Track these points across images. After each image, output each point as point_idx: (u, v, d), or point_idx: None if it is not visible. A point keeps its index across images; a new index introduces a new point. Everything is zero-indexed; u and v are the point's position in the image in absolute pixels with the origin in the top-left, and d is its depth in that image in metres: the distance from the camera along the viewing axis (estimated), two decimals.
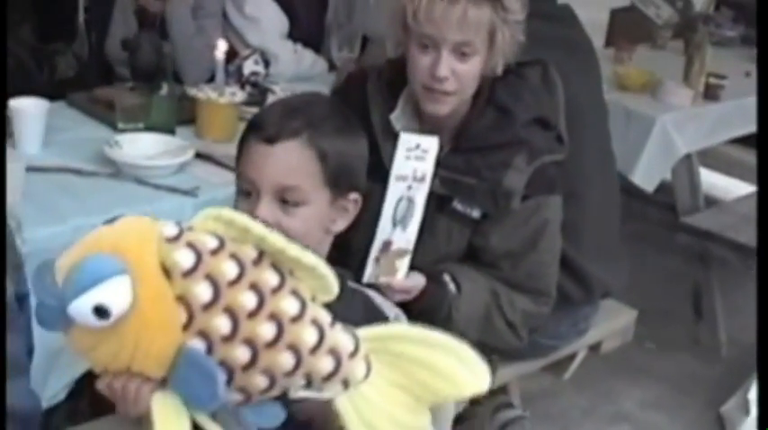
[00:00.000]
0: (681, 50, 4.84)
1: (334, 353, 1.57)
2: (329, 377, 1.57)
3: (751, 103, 4.55)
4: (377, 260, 2.31)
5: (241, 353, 1.49)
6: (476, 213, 2.47)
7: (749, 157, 5.42)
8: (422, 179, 2.30)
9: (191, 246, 1.50)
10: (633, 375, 4.03)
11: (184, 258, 1.48)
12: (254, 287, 1.50)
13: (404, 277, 2.35)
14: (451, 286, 2.43)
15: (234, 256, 1.51)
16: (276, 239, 1.52)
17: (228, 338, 1.48)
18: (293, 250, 1.52)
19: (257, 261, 1.52)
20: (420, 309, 2.31)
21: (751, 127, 4.69)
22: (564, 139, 2.55)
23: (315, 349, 1.54)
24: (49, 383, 2.53)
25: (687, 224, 4.20)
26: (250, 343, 1.49)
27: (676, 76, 4.51)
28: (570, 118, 2.61)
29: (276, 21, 4.07)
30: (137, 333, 1.48)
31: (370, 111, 2.52)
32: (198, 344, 1.48)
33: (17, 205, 2.47)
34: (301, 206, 1.90)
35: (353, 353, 1.59)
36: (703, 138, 4.45)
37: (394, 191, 2.30)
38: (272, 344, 1.50)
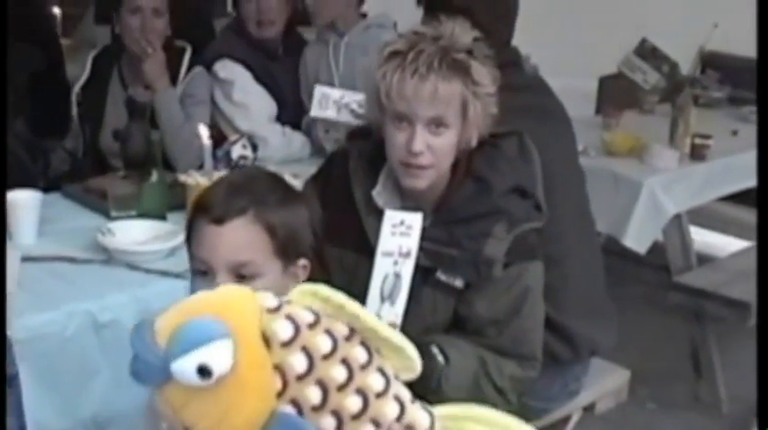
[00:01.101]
0: (669, 114, 4.91)
1: (411, 428, 1.68)
2: None
3: (738, 160, 4.66)
4: None
5: (328, 424, 1.59)
6: (459, 283, 2.49)
7: (740, 214, 5.49)
8: (407, 254, 2.35)
9: (290, 318, 1.61)
10: None
11: (284, 329, 1.59)
12: (345, 362, 1.62)
13: None
14: (440, 358, 2.44)
15: (328, 331, 1.62)
16: (369, 318, 1.64)
17: (318, 408, 1.58)
18: (384, 330, 1.65)
19: (349, 337, 1.64)
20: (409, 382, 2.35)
21: (739, 184, 4.78)
22: (542, 207, 2.59)
23: (395, 423, 1.65)
24: None
25: (680, 283, 4.24)
26: (337, 414, 1.59)
27: (663, 139, 4.58)
28: (547, 184, 2.66)
29: (264, 105, 4.17)
30: (233, 395, 1.57)
31: (353, 188, 2.58)
32: (289, 412, 1.58)
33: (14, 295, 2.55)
34: (256, 279, 1.96)
35: None
36: (692, 197, 4.50)
37: (380, 267, 2.35)
38: (358, 416, 1.61)
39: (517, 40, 3.12)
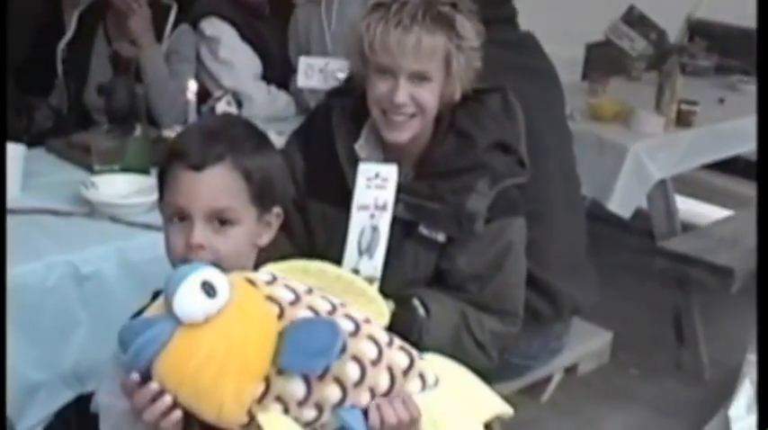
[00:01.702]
0: (655, 81, 4.90)
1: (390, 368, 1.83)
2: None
3: (724, 128, 4.68)
4: None
5: None
6: (441, 237, 2.50)
7: (724, 183, 5.51)
8: (383, 207, 2.34)
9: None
10: (616, 401, 4.05)
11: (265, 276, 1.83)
12: (325, 298, 1.84)
13: None
14: (421, 310, 2.45)
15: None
16: (348, 276, 1.92)
17: None
18: (360, 283, 1.93)
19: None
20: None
21: (725, 152, 4.79)
22: (525, 163, 2.60)
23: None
24: (24, 416, 2.57)
25: (664, 249, 4.24)
26: None
27: (649, 105, 4.57)
28: (532, 142, 2.67)
29: (250, 63, 4.16)
30: (237, 325, 1.71)
31: (336, 143, 2.58)
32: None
33: None
34: (233, 226, 1.95)
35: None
36: (677, 163, 4.51)
37: (357, 220, 2.35)
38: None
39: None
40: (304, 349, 1.69)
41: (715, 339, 4.34)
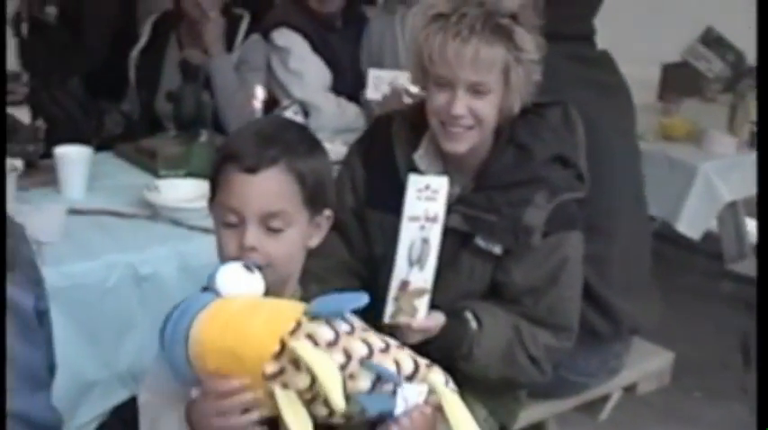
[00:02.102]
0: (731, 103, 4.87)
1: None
2: None
3: None
4: (396, 299, 2.34)
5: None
6: (497, 249, 2.50)
7: None
8: (434, 219, 2.32)
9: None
10: (678, 422, 3.99)
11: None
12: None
13: (424, 317, 2.35)
14: (473, 323, 2.46)
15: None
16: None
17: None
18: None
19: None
20: (439, 345, 2.34)
21: None
22: (584, 177, 2.59)
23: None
24: (78, 414, 2.61)
25: (733, 271, 4.20)
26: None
27: (722, 126, 4.53)
28: (599, 156, 2.67)
29: (320, 74, 4.18)
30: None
31: (395, 152, 2.59)
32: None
33: (54, 244, 2.59)
34: (286, 229, 1.95)
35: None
36: (748, 185, 4.42)
37: (407, 231, 2.33)
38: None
39: None
40: (333, 298, 1.74)
41: None
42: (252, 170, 1.92)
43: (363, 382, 1.72)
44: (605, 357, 3.03)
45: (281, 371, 1.69)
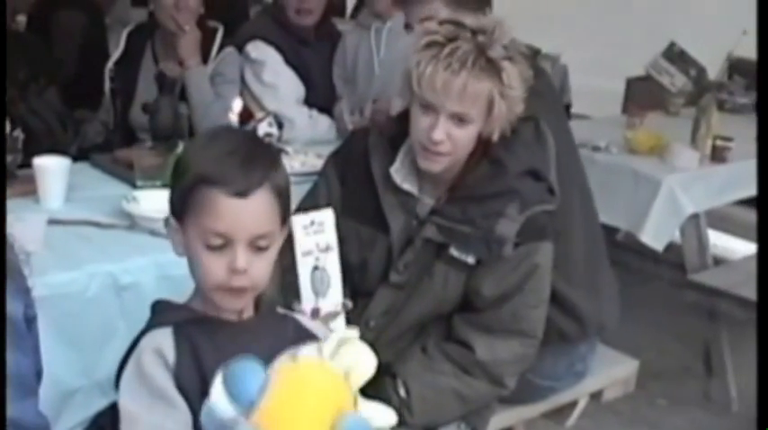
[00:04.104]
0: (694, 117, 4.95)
1: None
2: None
3: None
4: None
5: None
6: (471, 259, 2.57)
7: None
8: (327, 248, 2.40)
9: None
10: (644, 429, 4.09)
11: None
12: None
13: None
14: (401, 391, 2.57)
15: None
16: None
17: None
18: None
19: None
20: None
21: None
22: (555, 191, 2.65)
23: None
24: (60, 421, 2.64)
25: (695, 282, 4.27)
26: None
27: (686, 140, 4.61)
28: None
29: (293, 87, 4.25)
30: None
31: (372, 165, 2.66)
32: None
33: (37, 253, 2.63)
34: (270, 247, 1.92)
35: None
36: (710, 198, 4.54)
37: (304, 266, 2.39)
38: None
39: (549, 41, 3.16)
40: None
41: (744, 371, 4.35)
42: (242, 194, 1.85)
43: None
44: (572, 359, 3.09)
45: None
